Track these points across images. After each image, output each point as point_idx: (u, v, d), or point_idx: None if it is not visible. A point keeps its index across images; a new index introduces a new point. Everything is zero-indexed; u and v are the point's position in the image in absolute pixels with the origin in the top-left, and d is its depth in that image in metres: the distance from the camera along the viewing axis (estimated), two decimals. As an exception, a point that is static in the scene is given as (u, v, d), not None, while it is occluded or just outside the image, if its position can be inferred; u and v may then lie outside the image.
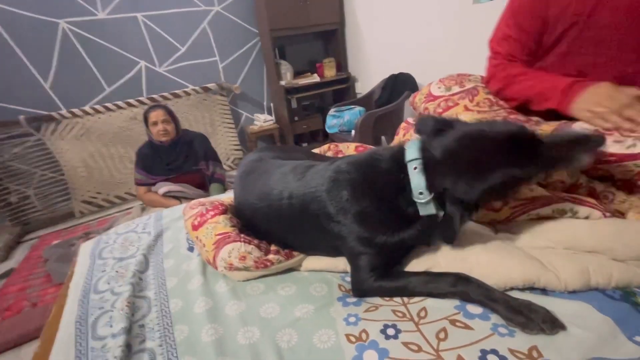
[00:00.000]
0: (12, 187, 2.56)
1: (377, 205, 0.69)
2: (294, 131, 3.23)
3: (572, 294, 0.60)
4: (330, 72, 3.23)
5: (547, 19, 0.80)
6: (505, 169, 0.59)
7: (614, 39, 0.74)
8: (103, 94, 2.73)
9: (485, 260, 0.65)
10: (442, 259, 0.69)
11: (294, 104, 3.18)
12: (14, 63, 2.40)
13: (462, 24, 2.08)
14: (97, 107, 2.65)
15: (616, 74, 0.76)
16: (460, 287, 0.62)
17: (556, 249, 0.67)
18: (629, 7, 0.70)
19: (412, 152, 0.66)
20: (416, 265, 0.71)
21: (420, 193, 0.63)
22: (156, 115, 1.94)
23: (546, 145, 0.60)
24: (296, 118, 3.22)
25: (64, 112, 2.56)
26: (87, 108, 2.62)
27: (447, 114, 0.95)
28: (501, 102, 0.91)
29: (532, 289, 0.62)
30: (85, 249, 1.04)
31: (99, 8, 2.55)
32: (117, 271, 0.87)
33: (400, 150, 0.69)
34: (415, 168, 0.64)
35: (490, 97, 0.92)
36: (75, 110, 2.58)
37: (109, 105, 2.68)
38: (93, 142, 2.69)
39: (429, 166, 0.63)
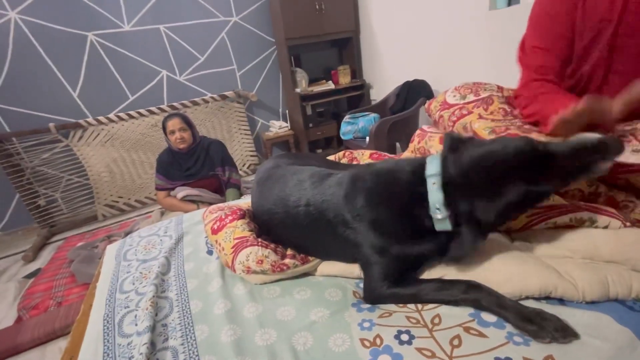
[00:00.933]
0: (41, 191, 2.69)
1: (394, 215, 0.70)
2: (308, 137, 3.27)
3: (591, 304, 0.60)
4: (345, 79, 3.27)
5: (574, 25, 0.78)
6: (519, 188, 0.58)
7: None
8: (127, 102, 2.85)
9: (501, 268, 0.65)
10: (455, 267, 0.69)
11: (309, 111, 3.22)
12: (45, 73, 2.54)
13: (478, 30, 2.08)
14: (121, 114, 2.77)
15: None
16: (472, 294, 0.62)
17: (574, 259, 0.66)
18: None
19: (432, 167, 0.66)
20: (429, 272, 0.72)
21: (437, 209, 0.64)
22: (173, 124, 2.01)
23: (560, 157, 0.58)
24: (311, 125, 3.27)
25: (90, 119, 2.68)
26: (111, 115, 2.74)
27: (461, 122, 0.96)
28: (515, 112, 0.91)
29: (548, 298, 0.62)
30: (110, 251, 1.09)
31: (125, 21, 2.68)
32: (140, 272, 0.92)
33: (422, 164, 0.69)
34: (434, 184, 0.65)
35: (505, 106, 0.92)
36: (100, 117, 2.71)
37: (132, 112, 2.80)
38: (116, 148, 2.81)
39: (447, 184, 0.64)
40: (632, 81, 0.71)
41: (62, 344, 1.61)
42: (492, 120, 0.89)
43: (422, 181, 0.67)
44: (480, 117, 0.92)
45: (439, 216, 0.63)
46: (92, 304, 0.85)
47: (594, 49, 0.77)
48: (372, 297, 0.72)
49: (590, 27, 0.76)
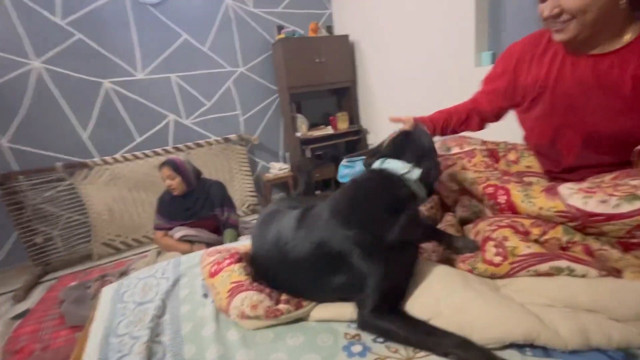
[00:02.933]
0: (40, 228, 2.71)
1: (379, 203, 0.80)
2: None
3: (575, 354, 0.61)
4: (343, 125, 3.43)
5: (516, 86, 0.99)
6: (423, 146, 0.88)
7: (578, 105, 0.87)
8: (133, 143, 2.97)
9: (487, 313, 0.67)
10: (445, 309, 0.71)
11: (308, 154, 3.34)
12: (58, 116, 2.69)
13: (464, 83, 2.23)
14: (127, 155, 2.87)
15: (585, 134, 0.89)
16: (463, 351, 0.64)
17: (556, 307, 0.69)
18: (581, 79, 0.85)
19: (395, 163, 0.84)
20: (419, 312, 0.74)
21: (404, 169, 0.82)
22: (162, 172, 2.07)
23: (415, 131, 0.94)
24: (310, 167, 3.37)
25: (96, 159, 2.78)
26: (117, 156, 2.85)
27: (447, 172, 1.03)
28: (496, 165, 0.99)
29: (533, 346, 0.64)
30: (107, 293, 1.10)
31: (139, 70, 2.89)
32: (136, 315, 0.92)
33: (381, 169, 0.86)
34: (387, 162, 0.85)
35: (487, 159, 1.00)
36: (107, 158, 2.81)
37: (137, 153, 2.90)
38: (119, 187, 2.87)
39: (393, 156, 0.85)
40: (583, 134, 0.87)
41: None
42: (475, 171, 0.96)
43: (380, 171, 0.84)
44: (464, 168, 1.00)
45: (407, 170, 0.82)
46: (84, 348, 0.85)
47: (537, 106, 0.94)
48: (363, 323, 0.75)
49: (532, 88, 0.94)
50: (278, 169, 3.43)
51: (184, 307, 0.95)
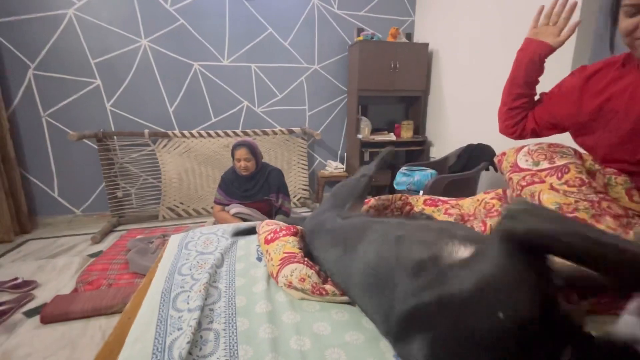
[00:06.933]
0: (122, 184, 3.09)
1: None
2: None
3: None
4: (407, 134, 3.36)
5: (580, 110, 0.98)
6: None
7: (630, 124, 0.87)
8: (209, 122, 3.25)
9: None
10: None
11: (367, 157, 3.34)
12: (153, 89, 3.05)
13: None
14: (202, 132, 3.15)
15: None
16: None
17: None
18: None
19: None
20: None
21: None
22: (240, 153, 2.18)
23: None
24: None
25: (176, 131, 3.09)
26: (194, 131, 3.14)
27: (530, 189, 0.92)
28: (594, 184, 0.87)
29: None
30: (174, 239, 1.22)
31: (225, 57, 3.16)
32: (197, 262, 1.01)
33: None
34: None
35: (583, 176, 0.87)
36: (185, 131, 3.11)
37: (210, 132, 3.17)
38: (190, 160, 3.15)
39: None
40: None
41: (102, 322, 1.74)
42: (565, 192, 0.84)
43: None
44: (552, 187, 0.88)
45: None
46: (152, 279, 0.96)
47: (603, 130, 0.96)
48: None
49: (603, 116, 0.95)
50: (334, 167, 3.48)
51: (239, 264, 1.02)
